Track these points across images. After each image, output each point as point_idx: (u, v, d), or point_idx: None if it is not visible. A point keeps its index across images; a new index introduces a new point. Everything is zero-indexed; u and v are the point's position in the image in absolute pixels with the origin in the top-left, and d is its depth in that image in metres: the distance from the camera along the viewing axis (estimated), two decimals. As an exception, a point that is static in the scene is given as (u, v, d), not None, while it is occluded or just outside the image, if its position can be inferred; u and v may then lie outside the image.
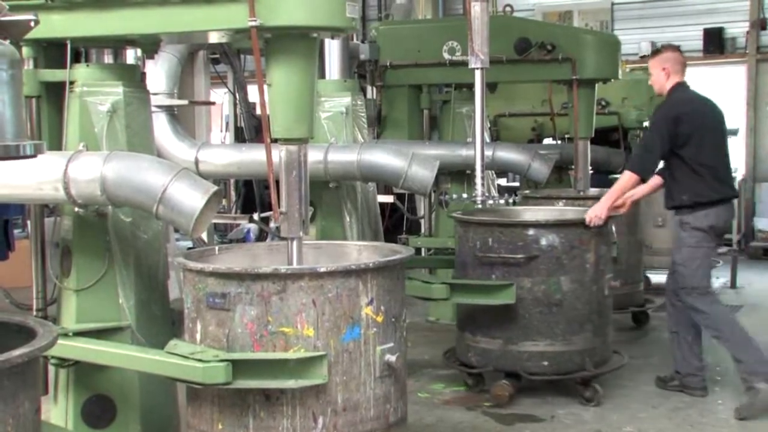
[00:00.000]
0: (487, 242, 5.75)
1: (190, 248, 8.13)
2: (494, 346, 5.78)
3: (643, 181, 5.89)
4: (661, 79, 5.89)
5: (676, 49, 6.08)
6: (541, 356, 5.70)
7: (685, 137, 5.72)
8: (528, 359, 5.71)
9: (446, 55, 7.96)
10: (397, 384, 3.92)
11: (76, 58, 4.46)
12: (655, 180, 6.03)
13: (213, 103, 10.78)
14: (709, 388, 6.00)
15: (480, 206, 6.49)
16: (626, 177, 5.86)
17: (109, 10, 4.03)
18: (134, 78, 4.57)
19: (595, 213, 5.74)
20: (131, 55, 4.77)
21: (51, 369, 4.47)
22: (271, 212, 4.14)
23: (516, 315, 5.66)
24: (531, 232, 5.70)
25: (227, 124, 13.68)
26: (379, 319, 3.79)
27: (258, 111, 4.29)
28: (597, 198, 6.33)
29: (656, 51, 6.13)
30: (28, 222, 4.74)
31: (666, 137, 5.71)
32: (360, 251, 4.51)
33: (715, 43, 13.07)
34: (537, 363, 5.71)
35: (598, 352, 5.84)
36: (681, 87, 5.91)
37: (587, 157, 7.89)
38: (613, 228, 6.76)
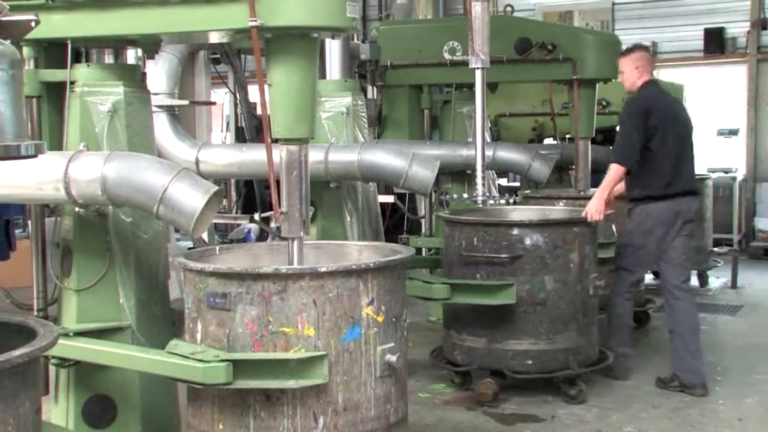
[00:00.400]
0: (472, 242, 5.79)
1: (190, 248, 8.13)
2: (479, 344, 5.82)
3: (629, 171, 6.02)
4: (633, 77, 6.16)
5: (647, 48, 6.42)
6: (526, 355, 5.74)
7: (653, 129, 5.96)
8: (512, 358, 5.75)
9: (447, 55, 7.96)
10: (398, 384, 3.92)
11: (77, 58, 4.46)
12: None
13: (214, 103, 10.79)
14: (709, 387, 6.00)
15: (481, 206, 6.49)
16: (614, 169, 6.01)
17: (109, 10, 4.04)
18: (135, 78, 4.57)
19: (595, 208, 5.85)
20: (132, 55, 4.78)
21: (52, 369, 4.47)
22: (271, 212, 4.14)
23: (500, 314, 5.69)
24: (515, 231, 5.74)
25: (228, 124, 13.69)
26: (380, 319, 3.79)
27: (258, 111, 4.30)
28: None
29: (628, 50, 6.33)
30: (29, 222, 4.74)
31: (640, 128, 5.93)
32: (361, 251, 4.51)
33: (716, 43, 13.06)
34: (521, 361, 5.75)
35: (583, 350, 5.88)
36: (651, 84, 6.18)
37: (588, 157, 7.89)
38: (614, 228, 6.80)
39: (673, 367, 6.05)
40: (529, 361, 5.74)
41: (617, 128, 6.44)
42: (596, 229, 6.04)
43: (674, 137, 6.01)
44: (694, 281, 9.76)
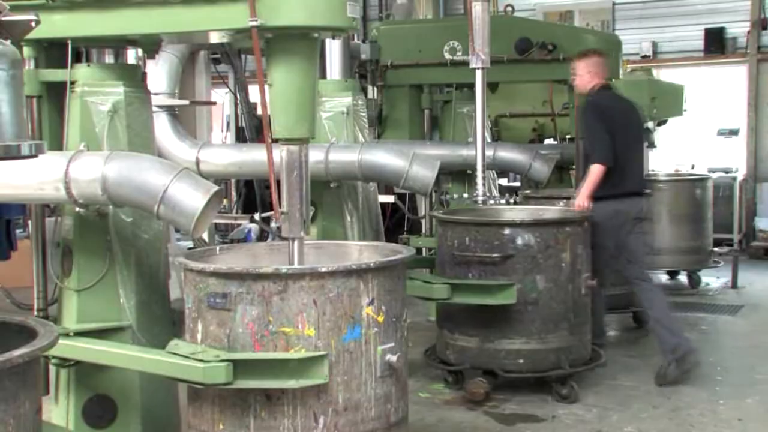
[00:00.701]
0: (464, 241, 5.82)
1: (191, 248, 8.13)
2: (471, 343, 5.85)
3: (609, 169, 6.18)
4: (586, 81, 6.44)
5: (601, 53, 6.67)
6: (517, 354, 5.76)
7: None
8: (504, 357, 5.78)
9: (447, 55, 7.97)
10: (398, 384, 3.92)
11: (77, 58, 4.46)
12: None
13: (214, 103, 10.80)
14: (710, 387, 6.02)
15: (480, 206, 6.50)
16: (595, 169, 6.18)
17: (109, 10, 4.03)
18: (135, 78, 4.57)
19: (582, 201, 6.12)
20: (132, 55, 4.77)
21: (52, 369, 4.46)
22: (272, 212, 4.13)
23: (492, 313, 5.70)
24: (507, 231, 5.77)
25: (228, 123, 13.70)
26: (380, 318, 3.79)
27: (259, 111, 4.30)
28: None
29: (584, 54, 6.57)
30: (29, 222, 4.74)
31: (602, 125, 6.18)
32: (361, 251, 4.51)
33: (716, 43, 13.05)
34: (513, 361, 5.77)
35: (575, 350, 5.89)
36: (604, 87, 6.50)
37: (588, 157, 7.88)
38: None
39: (661, 351, 6.20)
40: (521, 361, 5.76)
41: (585, 134, 6.55)
42: (589, 229, 6.04)
43: (621, 139, 6.23)
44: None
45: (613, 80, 8.09)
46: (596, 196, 6.17)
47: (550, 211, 6.51)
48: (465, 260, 5.79)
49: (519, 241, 5.72)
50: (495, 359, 5.79)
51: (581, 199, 6.14)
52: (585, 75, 6.42)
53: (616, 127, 6.23)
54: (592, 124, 6.28)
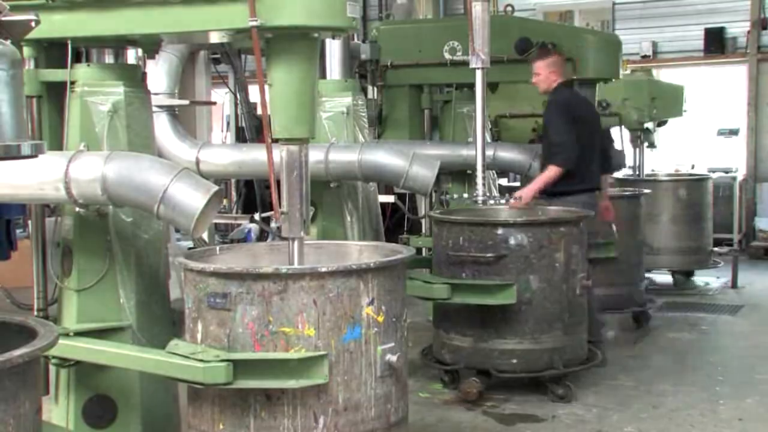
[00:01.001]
0: (458, 241, 5.83)
1: (191, 248, 8.13)
2: (466, 343, 5.86)
3: (569, 171, 6.34)
4: (549, 80, 6.61)
5: (560, 52, 6.87)
6: (511, 354, 5.77)
7: None
8: (498, 357, 5.79)
9: (447, 55, 7.96)
10: (398, 384, 3.92)
11: (77, 58, 4.46)
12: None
13: (214, 103, 10.81)
14: (710, 387, 6.05)
15: (480, 206, 6.51)
16: (554, 170, 6.32)
17: (109, 10, 4.04)
18: (135, 78, 4.57)
19: (527, 197, 6.30)
20: (132, 55, 4.77)
21: (52, 369, 4.47)
22: (272, 212, 4.13)
23: (487, 313, 5.72)
24: (500, 231, 5.78)
25: (228, 123, 13.71)
26: (380, 318, 3.79)
27: (259, 111, 4.29)
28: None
29: (544, 54, 6.74)
30: (29, 222, 4.74)
31: (567, 123, 6.32)
32: (361, 251, 4.51)
33: (716, 43, 13.05)
34: (506, 361, 5.78)
35: (570, 350, 5.89)
36: (565, 86, 6.71)
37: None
38: (614, 227, 6.83)
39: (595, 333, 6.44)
40: (514, 361, 5.77)
41: (550, 131, 6.57)
42: (584, 229, 6.04)
43: (586, 134, 6.41)
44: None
45: (613, 80, 8.12)
46: (566, 191, 6.32)
47: (546, 212, 6.51)
48: (459, 260, 5.80)
49: (512, 241, 5.73)
50: (489, 359, 5.80)
51: (528, 195, 6.27)
52: (548, 75, 6.57)
53: (580, 123, 6.39)
54: (557, 121, 6.40)
